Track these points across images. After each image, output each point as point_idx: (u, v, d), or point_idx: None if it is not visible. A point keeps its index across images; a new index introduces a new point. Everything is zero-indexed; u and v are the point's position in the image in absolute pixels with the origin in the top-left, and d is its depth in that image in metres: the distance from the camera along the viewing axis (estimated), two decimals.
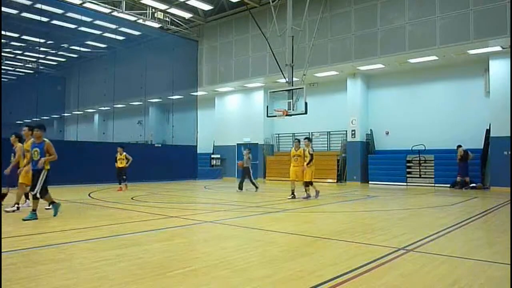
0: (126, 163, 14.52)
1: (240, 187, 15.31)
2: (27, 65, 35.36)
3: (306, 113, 16.77)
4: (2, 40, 28.21)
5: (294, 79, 17.71)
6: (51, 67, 35.17)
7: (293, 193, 12.36)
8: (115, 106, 32.22)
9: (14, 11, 23.02)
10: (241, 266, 4.56)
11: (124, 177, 14.68)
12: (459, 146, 17.35)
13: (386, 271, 4.37)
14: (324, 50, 19.97)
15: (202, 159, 26.70)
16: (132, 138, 26.87)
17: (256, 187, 15.19)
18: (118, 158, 14.57)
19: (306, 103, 16.59)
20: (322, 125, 23.15)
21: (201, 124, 25.40)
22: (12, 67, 36.46)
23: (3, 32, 26.41)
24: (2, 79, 40.87)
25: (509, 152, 16.01)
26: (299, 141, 12.90)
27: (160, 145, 23.53)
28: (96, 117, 35.20)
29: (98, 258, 4.87)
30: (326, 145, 23.40)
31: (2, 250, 5.18)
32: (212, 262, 4.76)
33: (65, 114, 36.05)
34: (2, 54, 31.29)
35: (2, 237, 6.14)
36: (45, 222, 7.75)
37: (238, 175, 25.72)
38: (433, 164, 18.84)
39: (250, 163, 15.44)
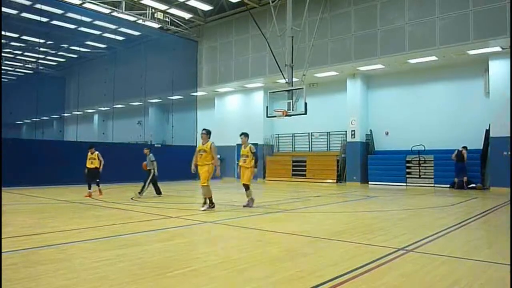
0: (99, 164, 12.83)
1: (141, 192, 12.62)
2: (27, 65, 35.36)
3: (305, 113, 16.77)
4: (2, 41, 28.21)
5: (294, 79, 17.71)
6: (51, 67, 35.16)
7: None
8: (114, 106, 32.23)
9: (14, 11, 23.01)
10: (241, 266, 4.56)
11: (98, 179, 12.97)
12: (464, 147, 17.31)
13: (386, 272, 4.38)
14: (324, 51, 19.98)
15: None
16: (131, 138, 26.89)
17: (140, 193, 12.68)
18: (89, 158, 12.90)
19: (305, 104, 16.59)
20: (322, 126, 23.15)
21: (201, 124, 25.35)
22: (12, 67, 36.44)
23: (2, 33, 26.42)
24: (2, 80, 40.88)
25: (509, 153, 16.03)
26: (246, 135, 10.57)
27: (160, 145, 23.53)
28: (96, 117, 35.23)
29: (98, 258, 4.87)
30: (326, 146, 23.40)
31: (2, 251, 5.19)
32: (212, 262, 4.76)
33: (65, 115, 36.04)
34: (3, 54, 31.28)
35: (2, 237, 6.14)
36: (45, 223, 7.75)
37: (239, 175, 25.76)
38: (432, 165, 18.84)
39: (155, 165, 12.97)
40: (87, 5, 20.94)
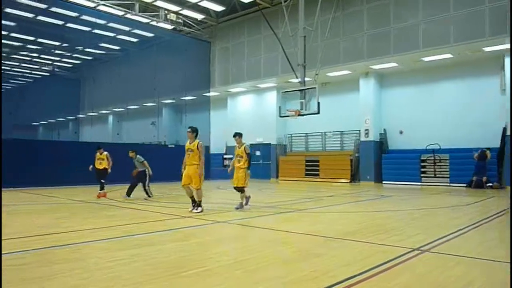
0: (108, 164, 12.57)
1: (129, 194, 12.37)
2: (43, 68, 35.94)
3: (318, 113, 16.71)
4: (19, 44, 28.71)
5: (306, 79, 17.65)
6: (66, 69, 35.65)
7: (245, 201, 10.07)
8: (128, 107, 32.58)
9: (30, 15, 23.37)
10: (254, 266, 4.58)
11: (103, 180, 12.68)
12: (488, 149, 17.01)
13: (400, 272, 4.34)
14: (336, 50, 19.88)
15: (215, 159, 26.80)
16: (145, 139, 27.11)
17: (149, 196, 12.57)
18: (97, 158, 12.70)
19: (318, 103, 16.53)
20: (335, 125, 23.03)
21: (214, 124, 25.49)
22: (29, 70, 37.01)
23: (20, 36, 26.89)
24: (19, 82, 41.65)
25: (510, 153, 15.80)
26: (240, 135, 10.16)
27: (173, 146, 23.69)
28: (110, 118, 35.61)
29: (113, 258, 4.93)
30: (339, 145, 23.28)
31: (16, 250, 5.29)
32: (225, 262, 4.78)
33: (80, 116, 36.53)
34: (19, 57, 31.85)
35: (15, 237, 6.25)
36: (59, 222, 7.86)
37: (252, 175, 25.78)
38: (448, 164, 18.60)
39: (147, 165, 12.56)
40: (101, 7, 21.17)
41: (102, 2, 20.52)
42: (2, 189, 15.09)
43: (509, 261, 4.66)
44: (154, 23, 23.73)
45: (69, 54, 31.98)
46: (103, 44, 29.41)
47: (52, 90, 38.19)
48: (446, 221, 8.28)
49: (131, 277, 4.11)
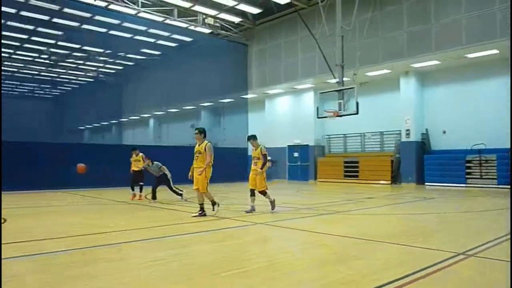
0: (143, 166, 12.60)
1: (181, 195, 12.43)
2: (88, 74, 37.43)
3: (357, 113, 16.43)
4: (66, 52, 30.04)
5: (345, 79, 17.40)
6: (109, 75, 36.95)
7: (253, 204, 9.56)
8: (168, 110, 33.35)
9: (76, 24, 24.38)
10: (291, 268, 4.56)
11: (141, 183, 12.67)
12: None
13: (445, 277, 4.19)
14: (375, 48, 19.49)
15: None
16: (185, 141, 27.61)
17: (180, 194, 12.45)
18: (133, 160, 12.79)
19: (357, 103, 16.25)
20: (375, 125, 22.55)
21: (251, 126, 25.62)
22: (75, 76, 38.65)
23: (66, 44, 28.13)
24: (66, 88, 43.57)
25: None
26: (254, 138, 9.88)
27: None
28: (151, 121, 36.54)
29: (152, 258, 5.05)
30: (379, 146, 22.79)
31: (59, 249, 5.52)
32: (263, 264, 4.79)
33: (122, 119, 37.75)
34: (66, 64, 33.32)
35: (62, 236, 6.53)
36: (102, 223, 8.14)
37: (291, 177, 25.73)
38: (495, 164, 17.77)
39: (165, 168, 12.50)
40: (141, 14, 21.78)
41: (143, 9, 21.12)
42: (51, 190, 15.86)
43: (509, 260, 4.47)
44: (192, 27, 24.16)
45: (112, 60, 33.16)
46: (144, 50, 30.27)
47: (97, 95, 39.76)
48: (492, 224, 7.91)
49: (171, 277, 4.20)
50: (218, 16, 23.64)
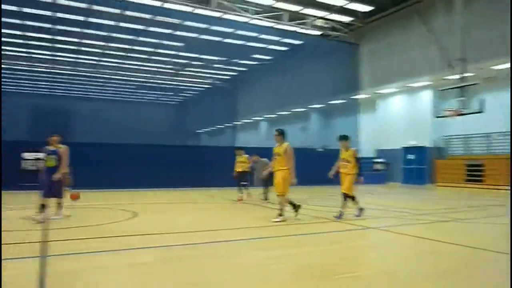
0: (248, 167, 12.61)
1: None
2: (204, 81, 40.07)
3: (482, 111, 15.00)
4: (185, 61, 32.53)
5: (467, 74, 16.01)
6: (224, 81, 39.07)
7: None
8: (279, 113, 34.09)
9: (194, 35, 26.28)
10: (406, 277, 4.40)
11: (246, 182, 12.75)
12: None
13: None
14: (502, 39, 17.56)
15: (364, 163, 26.10)
16: (295, 143, 27.90)
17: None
18: (238, 161, 12.79)
19: (482, 100, 14.85)
20: (503, 124, 20.26)
21: (362, 127, 24.94)
22: (194, 84, 41.66)
23: (186, 54, 30.44)
24: (185, 95, 47.19)
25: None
26: (346, 138, 9.26)
27: (322, 150, 23.91)
28: (263, 124, 37.67)
29: (263, 257, 5.26)
30: (508, 147, 20.40)
31: (184, 243, 6.03)
32: (376, 269, 4.70)
33: (236, 123, 39.57)
34: (186, 73, 36.08)
35: (183, 231, 7.12)
36: (218, 220, 8.64)
37: (405, 180, 24.44)
38: None
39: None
40: (253, 21, 22.63)
41: (255, 16, 21.95)
42: (171, 188, 17.30)
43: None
44: (302, 30, 24.39)
45: (226, 67, 35.04)
46: (255, 55, 31.40)
47: (213, 100, 42.35)
48: None
49: (281, 277, 4.35)
50: (327, 17, 23.50)
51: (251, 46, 28.77)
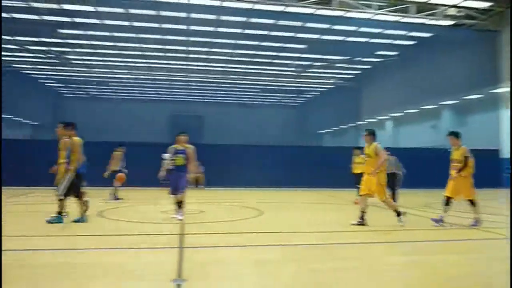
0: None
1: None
2: (327, 81, 39.92)
3: None
4: (307, 63, 32.84)
5: None
6: (346, 80, 38.42)
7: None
8: (406, 111, 32.25)
9: (316, 36, 26.35)
10: None
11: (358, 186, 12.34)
12: None
13: None
14: None
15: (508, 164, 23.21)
16: (423, 143, 26.12)
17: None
18: (355, 161, 12.16)
19: None
20: None
21: (506, 124, 22.19)
22: (316, 85, 41.78)
23: (308, 55, 30.72)
24: (308, 96, 47.62)
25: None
26: (456, 134, 8.09)
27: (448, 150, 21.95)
28: (388, 123, 36.03)
29: (388, 262, 5.06)
30: None
31: (304, 243, 6.10)
32: None
33: (360, 122, 38.58)
34: (308, 74, 36.40)
35: (290, 230, 7.20)
36: (338, 221, 8.53)
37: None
38: None
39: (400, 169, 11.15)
40: (377, 17, 21.76)
41: (378, 12, 21.12)
42: (292, 188, 17.55)
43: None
44: (431, 22, 22.68)
45: (349, 66, 34.40)
46: (379, 52, 30.23)
47: (334, 101, 41.98)
48: None
49: (404, 284, 4.15)
50: (461, 4, 21.48)
51: (375, 43, 27.80)
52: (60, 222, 7.19)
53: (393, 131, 34.85)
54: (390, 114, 34.96)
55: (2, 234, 6.32)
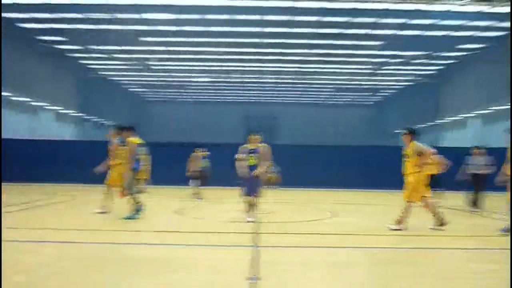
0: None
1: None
2: (405, 78, 38.26)
3: None
4: (383, 60, 31.72)
5: None
6: (425, 76, 36.52)
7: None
8: (495, 108, 29.81)
9: (392, 31, 25.33)
10: None
11: (436, 187, 10.87)
12: None
13: None
14: None
15: None
16: None
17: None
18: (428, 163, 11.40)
19: None
20: None
21: None
22: (393, 82, 40.23)
23: (383, 52, 29.68)
24: (384, 94, 46.01)
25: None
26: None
27: None
28: (473, 121, 33.53)
29: (468, 269, 4.83)
30: None
31: (381, 246, 5.97)
32: None
33: (439, 121, 36.44)
34: (384, 72, 35.16)
35: (364, 233, 7.00)
36: (417, 224, 8.16)
37: None
38: None
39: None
40: (460, 8, 20.37)
41: (460, 2, 19.75)
42: (366, 189, 16.99)
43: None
44: None
45: (429, 61, 32.61)
46: (461, 46, 28.34)
47: (412, 98, 40.03)
48: None
49: None
50: None
51: (457, 36, 26.07)
52: (136, 218, 7.80)
53: (479, 129, 32.38)
54: (475, 112, 32.52)
55: (94, 228, 7.00)
